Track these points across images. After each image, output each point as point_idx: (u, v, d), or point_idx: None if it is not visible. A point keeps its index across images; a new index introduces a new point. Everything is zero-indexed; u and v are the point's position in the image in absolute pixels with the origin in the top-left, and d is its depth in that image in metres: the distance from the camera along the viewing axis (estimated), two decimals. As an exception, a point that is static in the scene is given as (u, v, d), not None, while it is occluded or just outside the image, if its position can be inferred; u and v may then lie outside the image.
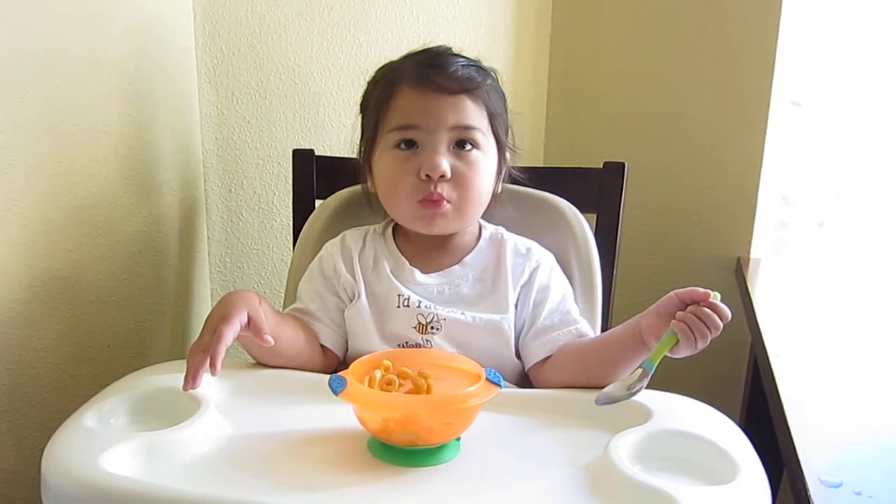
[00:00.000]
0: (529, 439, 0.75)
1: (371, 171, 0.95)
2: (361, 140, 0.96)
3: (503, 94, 0.96)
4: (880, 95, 1.48)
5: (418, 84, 0.89)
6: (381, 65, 0.96)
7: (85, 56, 0.95)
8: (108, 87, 0.99)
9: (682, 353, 0.76)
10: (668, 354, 0.76)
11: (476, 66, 0.92)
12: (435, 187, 0.88)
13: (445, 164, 0.88)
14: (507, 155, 0.97)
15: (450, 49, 0.94)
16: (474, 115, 0.90)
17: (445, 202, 0.89)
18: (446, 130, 0.88)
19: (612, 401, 0.75)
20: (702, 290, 0.76)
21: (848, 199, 1.57)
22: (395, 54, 0.96)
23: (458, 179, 0.89)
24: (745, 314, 1.28)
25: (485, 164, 0.91)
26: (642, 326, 0.80)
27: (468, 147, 0.90)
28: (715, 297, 0.76)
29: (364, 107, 0.96)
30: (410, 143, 0.89)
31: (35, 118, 0.89)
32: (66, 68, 0.92)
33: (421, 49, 0.94)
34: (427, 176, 0.87)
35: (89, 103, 0.97)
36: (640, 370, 0.76)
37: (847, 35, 1.46)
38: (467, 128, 0.89)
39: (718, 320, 0.75)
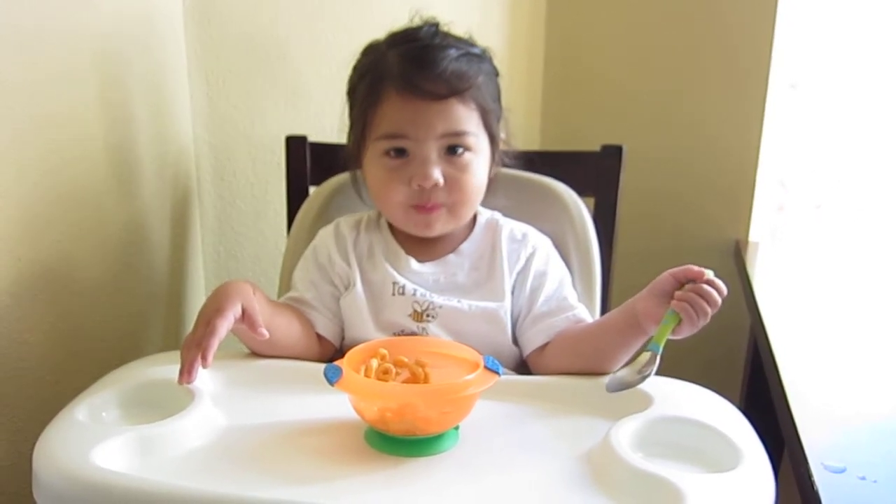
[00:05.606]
0: (529, 427, 0.74)
1: (361, 166, 0.93)
2: (350, 130, 0.94)
3: (496, 77, 0.93)
4: (877, 77, 1.47)
5: (404, 91, 0.85)
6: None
7: (70, 42, 0.93)
8: (95, 73, 0.97)
9: (684, 333, 0.76)
10: (670, 336, 0.76)
11: (467, 54, 0.88)
12: (428, 196, 0.87)
13: (437, 173, 0.86)
14: (501, 139, 0.94)
15: (437, 32, 0.89)
16: (465, 119, 0.87)
17: (440, 207, 0.88)
18: (436, 139, 0.86)
19: (625, 387, 0.74)
20: (696, 267, 0.76)
21: (845, 180, 1.55)
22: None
23: (452, 185, 0.87)
24: (745, 298, 1.27)
25: (478, 164, 0.89)
26: (639, 310, 0.79)
27: (459, 151, 0.87)
28: (709, 275, 0.75)
29: (350, 97, 0.93)
30: (400, 151, 0.87)
31: (18, 107, 0.87)
32: (49, 55, 0.90)
33: (406, 31, 0.90)
34: (419, 185, 0.86)
35: (75, 91, 0.95)
36: (647, 354, 0.75)
37: (843, 16, 1.45)
38: (458, 134, 0.86)
39: (717, 297, 0.74)
